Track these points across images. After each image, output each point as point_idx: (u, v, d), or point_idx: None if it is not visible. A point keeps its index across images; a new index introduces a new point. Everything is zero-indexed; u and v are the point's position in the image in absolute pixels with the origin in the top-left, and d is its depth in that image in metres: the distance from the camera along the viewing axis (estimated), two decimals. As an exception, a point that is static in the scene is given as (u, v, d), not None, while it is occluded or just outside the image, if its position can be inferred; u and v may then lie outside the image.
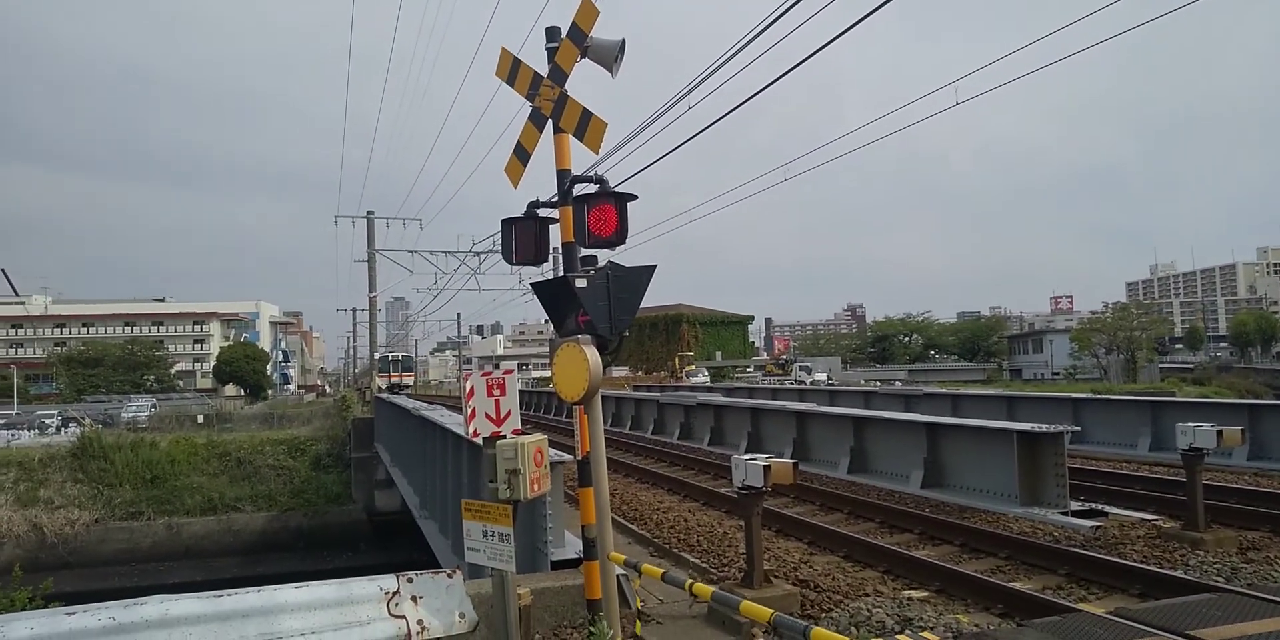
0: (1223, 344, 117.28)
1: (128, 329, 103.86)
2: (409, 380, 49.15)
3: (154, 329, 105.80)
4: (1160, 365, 73.31)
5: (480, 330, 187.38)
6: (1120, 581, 7.25)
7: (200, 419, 46.34)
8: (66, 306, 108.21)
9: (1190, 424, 8.64)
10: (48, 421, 46.96)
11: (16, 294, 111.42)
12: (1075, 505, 9.57)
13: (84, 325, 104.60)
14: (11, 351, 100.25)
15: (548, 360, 5.68)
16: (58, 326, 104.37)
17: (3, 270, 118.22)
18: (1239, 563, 7.78)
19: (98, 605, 4.13)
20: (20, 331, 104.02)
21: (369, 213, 39.43)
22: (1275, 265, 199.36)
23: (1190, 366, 78.61)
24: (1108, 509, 9.84)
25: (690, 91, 10.12)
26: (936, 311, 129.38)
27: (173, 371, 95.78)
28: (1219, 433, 8.36)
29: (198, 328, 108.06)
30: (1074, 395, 17.44)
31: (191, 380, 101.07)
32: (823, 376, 62.36)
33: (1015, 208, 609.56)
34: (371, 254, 39.26)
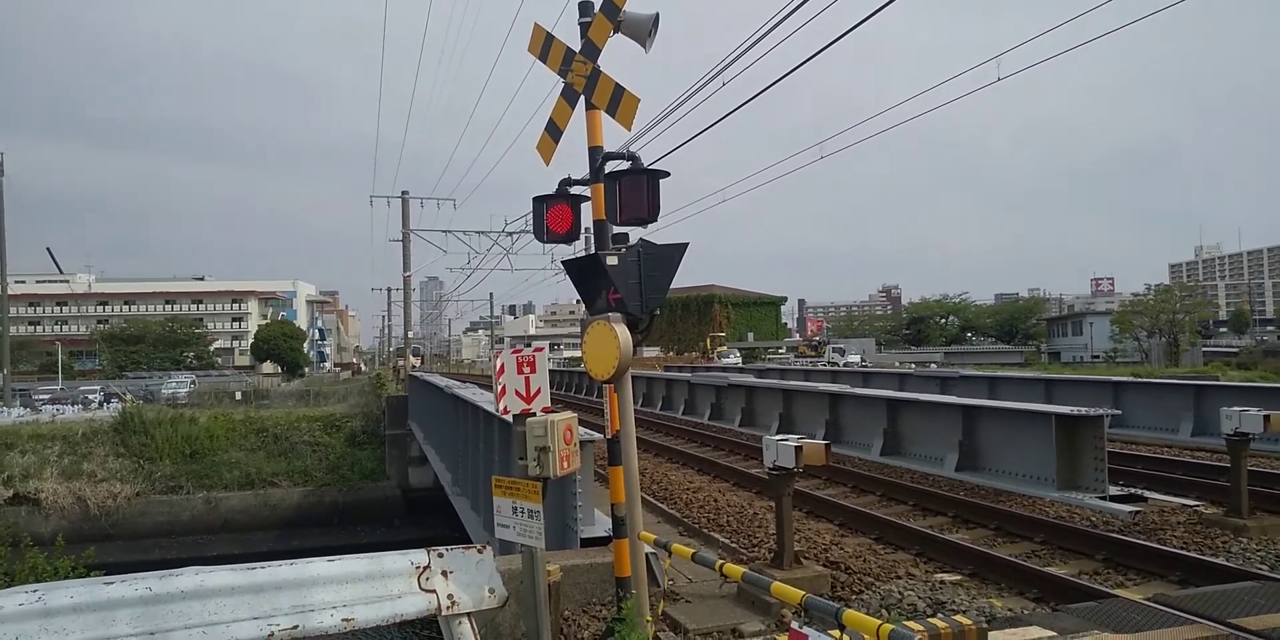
0: (1270, 328, 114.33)
1: (168, 307, 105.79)
2: (415, 362, 55.16)
3: (194, 307, 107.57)
4: (1204, 349, 71.63)
5: (513, 310, 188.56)
6: (1159, 568, 7.12)
7: (238, 396, 47.15)
8: (109, 285, 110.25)
9: (1236, 408, 8.44)
10: (91, 397, 48.01)
11: (61, 272, 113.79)
12: (1114, 490, 9.39)
13: (126, 303, 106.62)
14: (57, 328, 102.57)
15: (579, 340, 5.63)
16: (101, 304, 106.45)
17: (49, 249, 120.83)
18: (1283, 550, 7.61)
19: (135, 576, 4.18)
20: (65, 309, 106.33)
21: (404, 193, 39.65)
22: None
23: (1235, 350, 76.72)
24: (1147, 494, 9.65)
25: (725, 68, 9.98)
26: (974, 293, 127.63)
27: (212, 349, 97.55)
28: (1266, 417, 8.16)
29: (236, 306, 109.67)
30: (1114, 378, 17.10)
31: (230, 358, 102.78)
32: (856, 358, 61.94)
33: (1057, 188, 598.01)
34: (406, 234, 39.52)
